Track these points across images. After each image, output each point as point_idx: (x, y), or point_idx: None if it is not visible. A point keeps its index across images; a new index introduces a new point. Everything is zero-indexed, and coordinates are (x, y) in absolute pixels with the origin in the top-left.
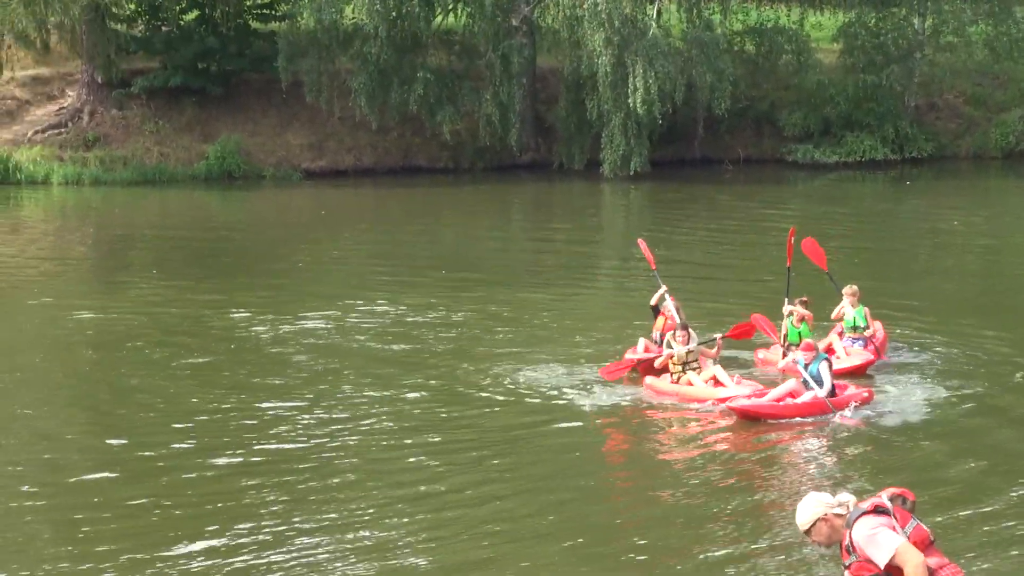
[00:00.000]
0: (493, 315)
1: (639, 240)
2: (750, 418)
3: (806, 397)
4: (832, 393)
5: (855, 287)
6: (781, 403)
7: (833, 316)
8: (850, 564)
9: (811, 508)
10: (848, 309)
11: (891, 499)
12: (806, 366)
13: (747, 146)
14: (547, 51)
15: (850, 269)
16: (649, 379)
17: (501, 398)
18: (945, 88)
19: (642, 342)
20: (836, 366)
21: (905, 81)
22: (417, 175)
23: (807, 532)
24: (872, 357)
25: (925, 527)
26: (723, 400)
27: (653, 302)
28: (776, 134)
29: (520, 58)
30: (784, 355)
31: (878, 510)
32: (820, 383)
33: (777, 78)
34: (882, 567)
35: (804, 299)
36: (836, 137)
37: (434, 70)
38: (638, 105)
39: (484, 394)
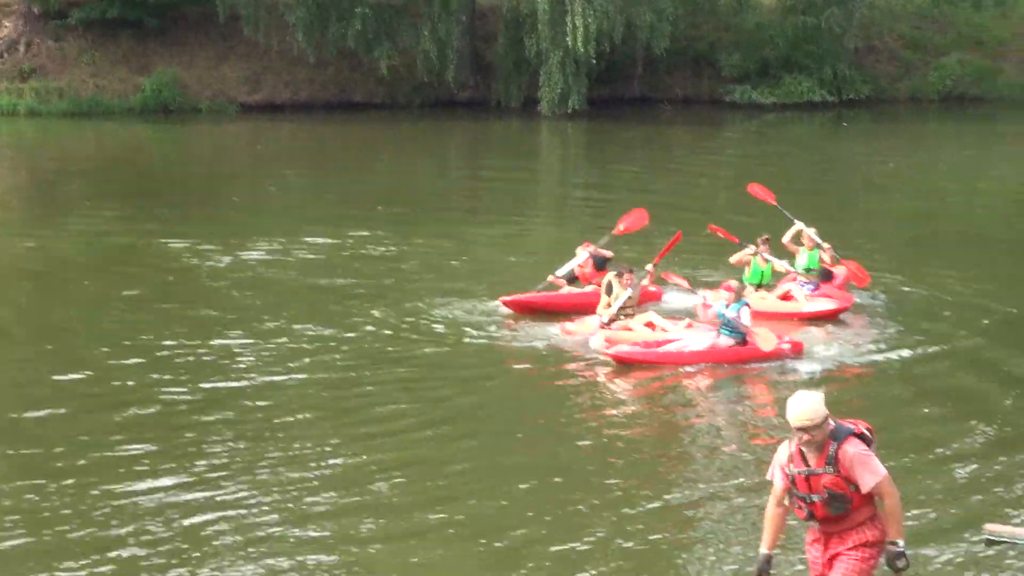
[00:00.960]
0: (430, 250)
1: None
2: (631, 363)
3: (703, 343)
4: (744, 342)
5: (813, 230)
6: (671, 351)
7: (785, 241)
8: (821, 474)
9: (821, 406)
10: (804, 252)
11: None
12: (727, 308)
13: (685, 86)
14: None
15: (790, 211)
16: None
17: (443, 333)
18: (884, 31)
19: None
20: (808, 309)
21: (844, 23)
22: (354, 111)
23: (806, 428)
24: (846, 304)
25: None
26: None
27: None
28: (715, 74)
29: None
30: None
31: (863, 437)
32: (736, 329)
33: (717, 18)
34: (865, 490)
35: (766, 237)
36: (774, 78)
37: (372, 5)
38: (577, 43)
39: (426, 329)
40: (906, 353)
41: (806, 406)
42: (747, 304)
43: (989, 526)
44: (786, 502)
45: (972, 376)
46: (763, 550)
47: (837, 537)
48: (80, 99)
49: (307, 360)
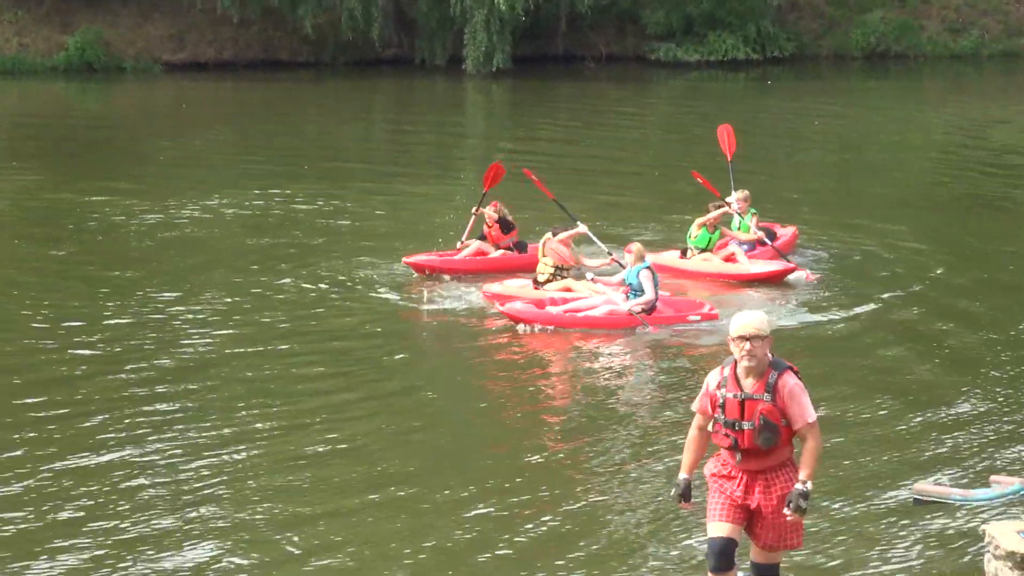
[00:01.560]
0: (357, 210)
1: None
2: (521, 322)
3: (602, 308)
4: (652, 306)
5: (746, 192)
6: (567, 313)
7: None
8: (758, 400)
9: (767, 322)
10: (736, 216)
11: None
12: (629, 272)
13: (609, 43)
14: None
15: (716, 170)
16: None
17: (366, 295)
18: None
19: (476, 244)
20: (751, 271)
21: None
22: (278, 69)
23: (751, 338)
24: (792, 265)
25: None
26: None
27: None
28: (639, 32)
29: None
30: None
31: (798, 374)
32: (640, 292)
33: None
34: (796, 426)
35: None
36: (698, 36)
37: None
38: (501, 1)
39: (350, 292)
40: (840, 314)
41: (753, 316)
42: (649, 267)
43: (918, 486)
44: (709, 428)
45: (908, 337)
46: (683, 475)
47: (762, 480)
48: (3, 57)
49: (232, 326)
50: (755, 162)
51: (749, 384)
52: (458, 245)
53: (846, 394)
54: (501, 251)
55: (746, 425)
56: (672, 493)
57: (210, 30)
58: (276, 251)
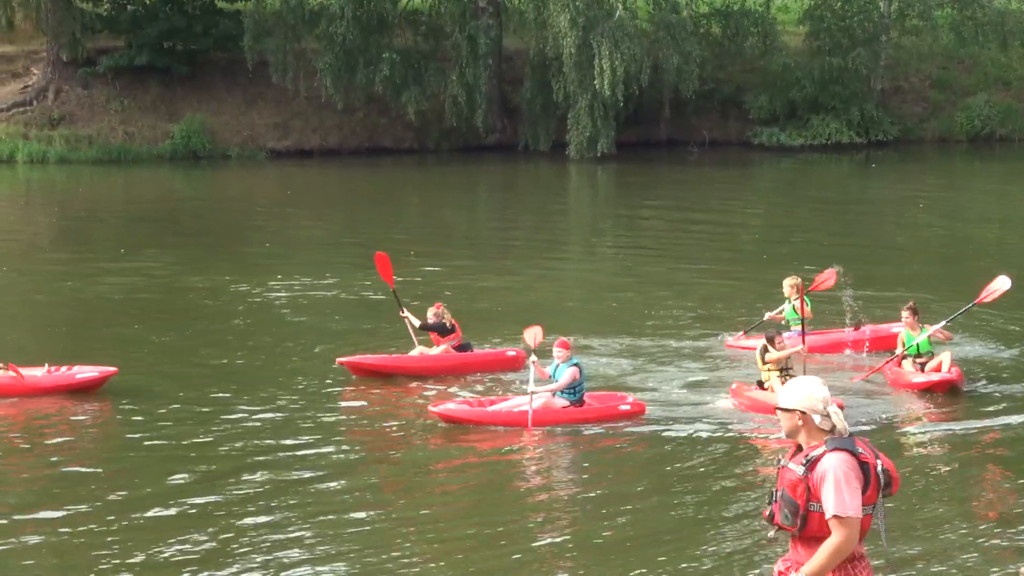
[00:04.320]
0: (460, 295)
1: (377, 255)
2: (454, 423)
3: (534, 403)
4: (580, 401)
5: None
6: (500, 411)
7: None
8: (790, 469)
9: (802, 394)
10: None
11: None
12: (557, 367)
13: (713, 128)
14: (513, 32)
15: (819, 252)
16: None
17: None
18: (911, 71)
19: (419, 350)
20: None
21: (871, 64)
22: (382, 156)
23: (785, 411)
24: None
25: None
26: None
27: (402, 315)
28: (742, 117)
29: (486, 39)
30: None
31: (859, 455)
32: (572, 390)
33: (743, 60)
34: (832, 514)
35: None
36: (802, 120)
37: (400, 51)
38: (604, 87)
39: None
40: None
41: (789, 386)
42: (576, 365)
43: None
44: None
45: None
46: None
47: (796, 565)
48: (110, 146)
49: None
50: (862, 244)
51: (790, 453)
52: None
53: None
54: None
55: (777, 496)
56: None
57: (315, 117)
58: (381, 332)
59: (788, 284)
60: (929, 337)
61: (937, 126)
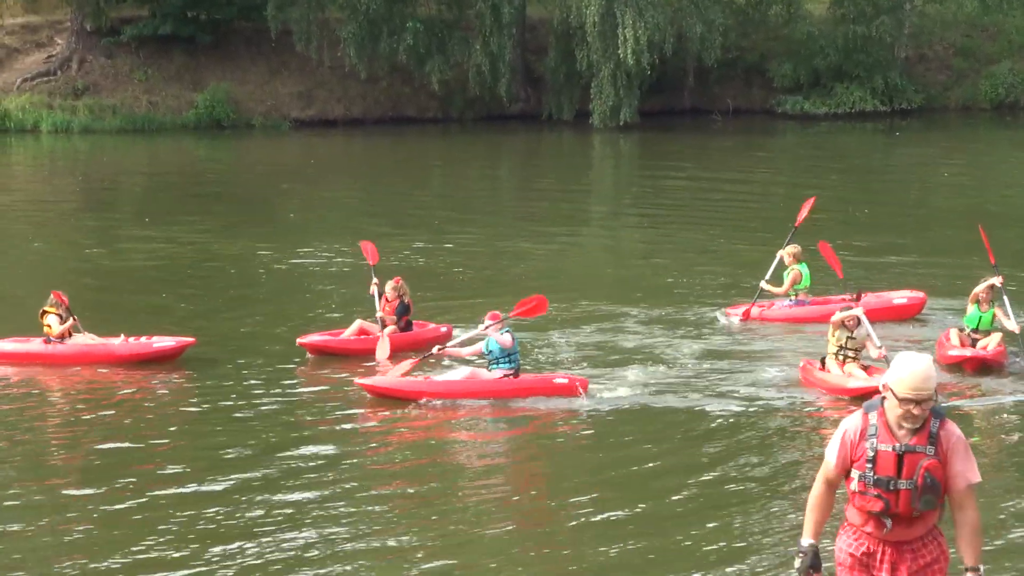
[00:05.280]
0: (484, 263)
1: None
2: (382, 396)
3: (461, 374)
4: (516, 372)
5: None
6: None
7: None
8: (920, 453)
9: (935, 375)
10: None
11: None
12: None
13: (736, 97)
14: (537, 1)
15: (845, 221)
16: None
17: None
18: (935, 39)
19: (357, 323)
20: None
21: (895, 32)
22: (406, 125)
23: (922, 401)
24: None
25: None
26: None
27: (370, 291)
28: (766, 85)
29: (510, 8)
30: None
31: None
32: (499, 359)
33: (767, 29)
34: (961, 484)
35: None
36: (825, 88)
37: (424, 20)
38: (628, 55)
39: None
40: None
41: (926, 371)
42: (509, 332)
43: None
44: (854, 487)
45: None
46: (808, 540)
47: (908, 553)
48: (134, 116)
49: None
50: (888, 213)
51: (905, 434)
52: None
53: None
54: (391, 329)
55: (903, 484)
56: (797, 565)
57: (338, 87)
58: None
59: (789, 253)
60: (993, 317)
61: (961, 94)
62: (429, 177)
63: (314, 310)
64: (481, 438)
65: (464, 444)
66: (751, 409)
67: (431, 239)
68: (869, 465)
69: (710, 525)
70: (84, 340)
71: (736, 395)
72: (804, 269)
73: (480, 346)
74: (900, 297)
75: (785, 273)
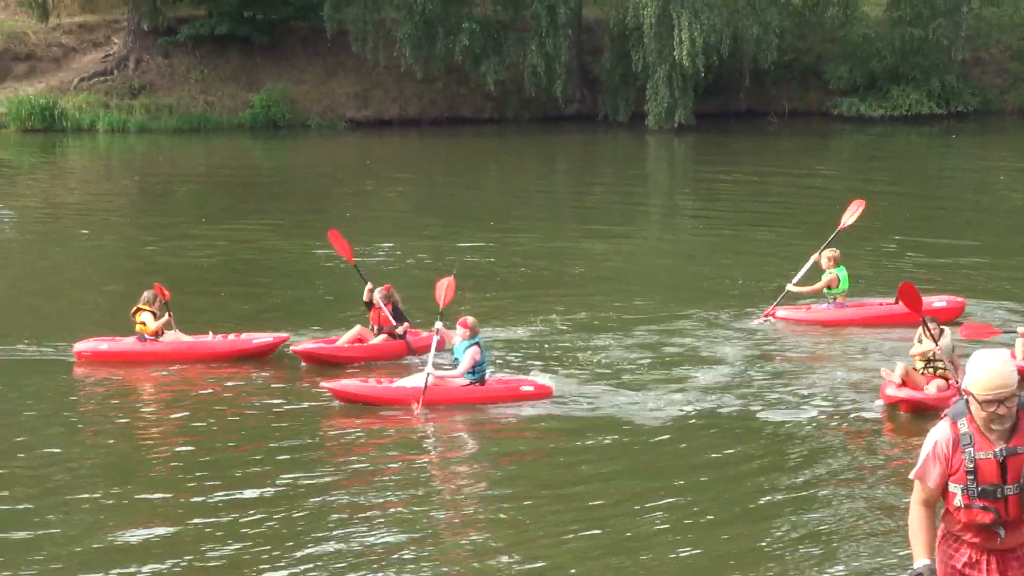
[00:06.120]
0: (539, 263)
1: (330, 232)
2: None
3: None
4: (482, 380)
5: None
6: (392, 388)
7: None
8: (1020, 453)
9: (1012, 369)
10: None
11: None
12: (456, 346)
13: (792, 99)
14: (593, 2)
15: (899, 223)
16: None
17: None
18: (991, 43)
19: (357, 329)
20: None
21: (952, 35)
22: (462, 126)
23: (1004, 399)
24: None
25: None
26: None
27: (365, 298)
28: (822, 87)
29: (566, 9)
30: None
31: None
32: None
33: (823, 30)
34: None
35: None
36: (882, 91)
37: (479, 20)
38: (683, 57)
39: (529, 344)
40: None
41: (1002, 368)
42: (477, 344)
43: None
44: (957, 503)
45: None
46: (925, 560)
47: (1014, 559)
48: (190, 115)
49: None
50: (944, 217)
51: (998, 437)
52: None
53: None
54: (383, 336)
55: (1010, 490)
56: None
57: (394, 87)
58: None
59: (828, 256)
60: None
61: (1017, 97)
62: (484, 178)
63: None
64: (448, 445)
65: (452, 450)
66: (801, 417)
67: (486, 239)
68: (971, 477)
69: (758, 529)
70: (176, 337)
71: (789, 401)
72: (842, 273)
73: (468, 363)
74: (939, 301)
75: (823, 276)
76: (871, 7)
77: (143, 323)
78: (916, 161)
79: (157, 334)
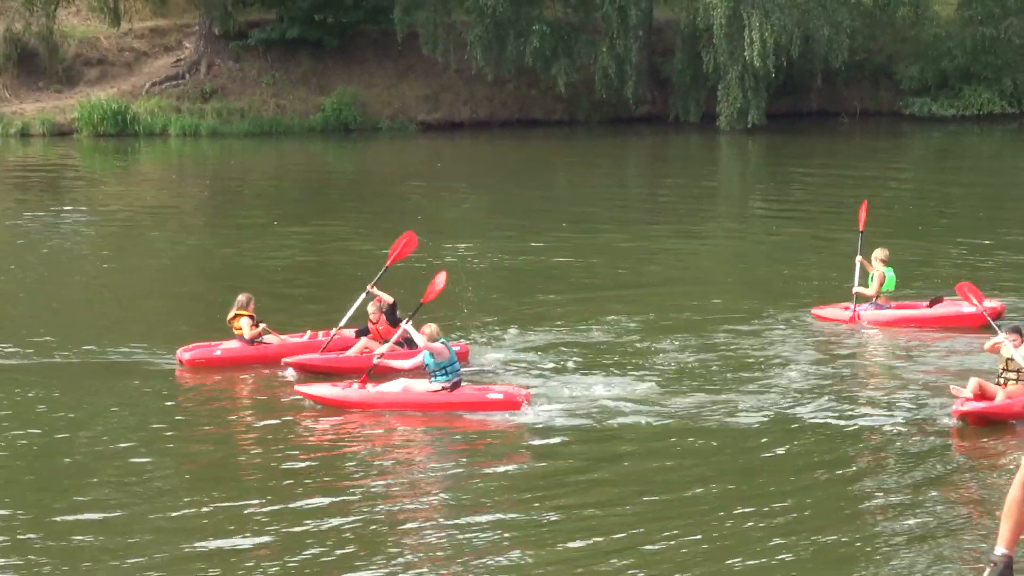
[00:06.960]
0: (616, 265)
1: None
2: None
3: (398, 387)
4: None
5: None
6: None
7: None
8: None
9: None
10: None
11: None
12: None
13: (864, 99)
14: (663, 3)
15: (973, 224)
16: None
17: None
18: None
19: (363, 341)
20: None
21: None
22: (533, 128)
23: None
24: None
25: None
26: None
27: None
28: (893, 87)
29: (637, 10)
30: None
31: None
32: (438, 371)
33: (894, 30)
34: None
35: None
36: (953, 90)
37: (550, 22)
38: (754, 58)
39: (610, 354)
40: None
41: None
42: (444, 343)
43: None
44: None
45: None
46: (1002, 549)
47: None
48: (261, 119)
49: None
50: (1014, 215)
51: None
52: (334, 332)
53: None
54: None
55: None
56: (986, 575)
57: (465, 90)
58: (528, 301)
59: (877, 258)
60: None
61: None
62: (556, 179)
63: (442, 309)
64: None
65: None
66: (890, 420)
67: (558, 240)
68: None
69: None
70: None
71: (879, 401)
72: (890, 272)
73: (419, 359)
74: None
75: (871, 276)
76: (942, 6)
77: (240, 328)
78: (987, 160)
79: (252, 340)
